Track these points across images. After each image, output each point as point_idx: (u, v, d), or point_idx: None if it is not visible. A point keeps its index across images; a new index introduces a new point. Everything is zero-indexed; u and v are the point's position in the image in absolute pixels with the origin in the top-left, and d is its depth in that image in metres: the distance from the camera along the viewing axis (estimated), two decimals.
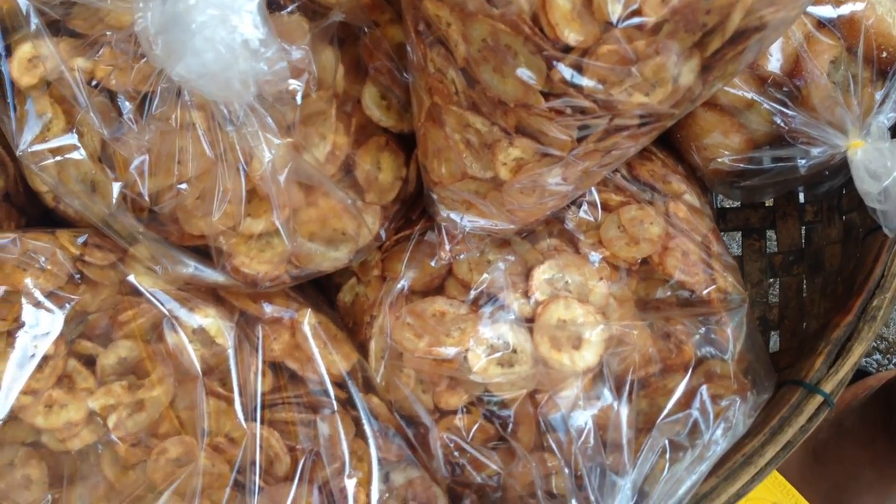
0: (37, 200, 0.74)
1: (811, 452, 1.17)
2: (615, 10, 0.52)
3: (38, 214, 0.76)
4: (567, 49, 0.54)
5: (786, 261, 0.96)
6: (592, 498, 0.62)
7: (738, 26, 0.56)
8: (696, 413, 0.65)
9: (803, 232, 0.96)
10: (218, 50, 0.46)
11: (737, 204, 1.03)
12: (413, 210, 0.78)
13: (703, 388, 0.66)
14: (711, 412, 0.65)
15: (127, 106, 0.60)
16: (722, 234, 1.02)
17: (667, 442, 0.64)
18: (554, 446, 0.64)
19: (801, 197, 0.97)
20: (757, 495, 0.84)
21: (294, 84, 0.56)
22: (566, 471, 0.64)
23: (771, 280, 0.97)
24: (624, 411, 0.65)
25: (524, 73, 0.56)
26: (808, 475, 1.18)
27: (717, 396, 0.67)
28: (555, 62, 0.55)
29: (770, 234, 0.99)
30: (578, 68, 0.55)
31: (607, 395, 0.66)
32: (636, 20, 0.51)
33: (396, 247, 0.78)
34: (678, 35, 0.54)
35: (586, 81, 0.56)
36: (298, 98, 0.57)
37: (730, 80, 0.72)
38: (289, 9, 0.60)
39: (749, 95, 0.77)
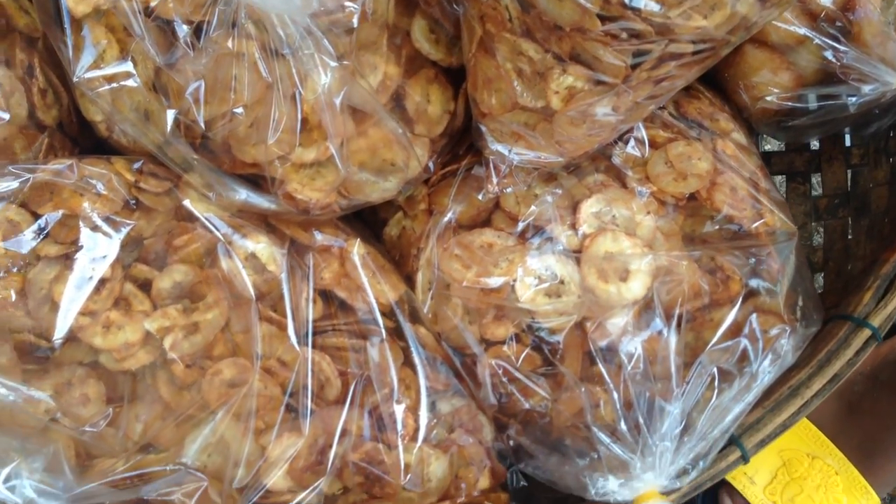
0: (89, 131, 0.75)
1: (846, 405, 1.17)
2: None
3: (90, 145, 0.77)
4: None
5: (831, 204, 0.95)
6: (641, 422, 0.62)
7: None
8: (745, 341, 0.65)
9: (849, 175, 0.95)
10: None
11: (781, 147, 1.02)
12: (459, 145, 0.78)
13: (753, 316, 0.66)
14: (761, 340, 0.65)
15: (184, 29, 0.61)
16: None
17: (715, 370, 0.65)
18: (604, 371, 0.65)
19: (847, 140, 0.96)
20: (790, 446, 0.84)
21: (350, 6, 0.56)
22: (615, 396, 0.64)
23: (815, 223, 0.96)
24: (672, 339, 0.65)
25: None
26: (843, 427, 1.18)
27: (766, 326, 0.67)
28: None
29: (815, 178, 0.99)
30: None
31: (657, 323, 0.66)
32: None
33: (443, 181, 0.78)
34: None
35: (644, 2, 0.55)
36: (354, 21, 0.57)
37: (784, 10, 0.71)
38: None
39: (801, 31, 0.77)
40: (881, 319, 0.70)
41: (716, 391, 0.64)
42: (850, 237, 0.92)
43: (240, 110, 0.62)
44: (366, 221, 0.81)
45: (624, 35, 0.58)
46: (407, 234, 0.78)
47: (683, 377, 0.64)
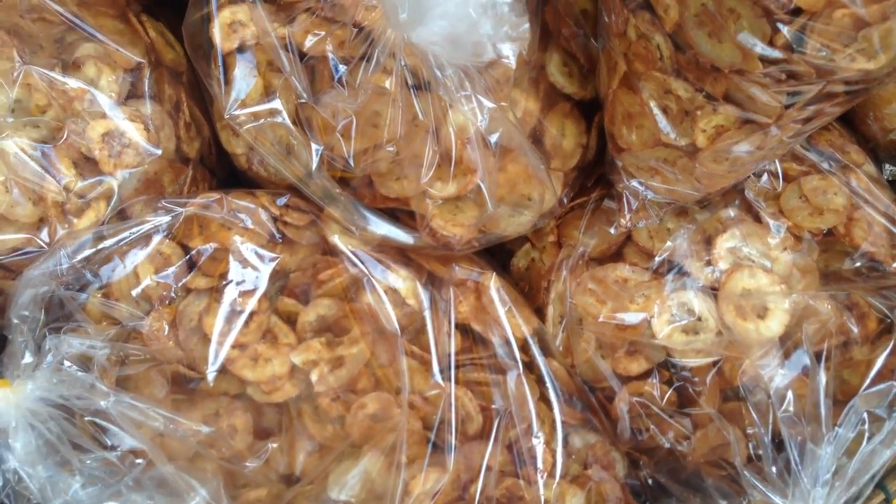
0: (226, 162, 0.76)
1: None
2: None
3: (227, 176, 0.78)
4: (797, 12, 0.53)
5: None
6: (794, 465, 0.61)
7: None
8: None
9: None
10: (466, 13, 0.47)
11: None
12: (588, 178, 0.78)
13: None
14: None
15: (341, 69, 0.61)
16: None
17: (866, 414, 0.64)
18: (754, 413, 0.64)
19: None
20: None
21: (510, 54, 0.57)
22: (765, 438, 0.63)
23: None
24: (822, 380, 0.64)
25: (745, 37, 0.56)
26: None
27: None
28: (781, 25, 0.54)
29: None
30: (805, 32, 0.54)
31: (806, 362, 0.65)
32: None
33: (571, 213, 0.78)
34: None
35: (811, 46, 0.55)
36: (514, 61, 0.57)
37: None
38: None
39: None
40: None
41: (866, 435, 0.63)
42: None
43: (391, 148, 0.63)
44: (491, 252, 0.82)
45: (783, 76, 0.58)
46: (535, 266, 0.78)
47: (834, 420, 0.63)
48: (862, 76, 0.59)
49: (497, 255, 0.82)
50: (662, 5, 0.59)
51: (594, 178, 0.79)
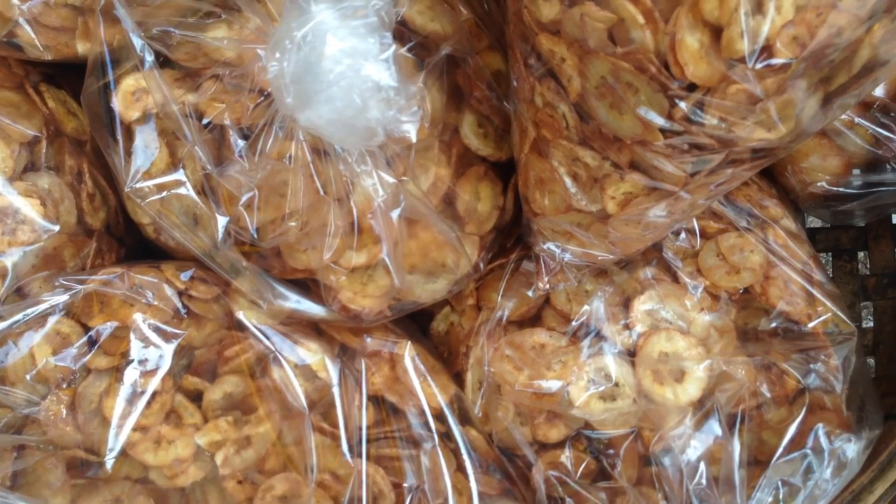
0: (136, 230, 0.74)
1: None
2: (745, 49, 0.50)
3: (135, 243, 0.76)
4: (692, 87, 0.53)
5: (879, 284, 0.93)
6: None
7: (865, 61, 0.55)
8: (809, 453, 0.64)
9: None
10: (352, 99, 0.46)
11: (827, 224, 1.00)
12: (508, 237, 0.77)
13: (819, 426, 0.64)
14: (826, 451, 0.64)
15: (240, 144, 0.60)
16: None
17: (779, 482, 0.63)
18: (666, 485, 0.63)
19: (895, 218, 0.94)
20: None
21: (408, 125, 0.56)
22: None
23: (864, 303, 0.95)
24: (736, 448, 0.64)
25: (645, 111, 0.55)
26: None
27: (830, 434, 0.65)
28: (678, 100, 0.53)
29: (861, 255, 0.97)
30: (702, 106, 0.54)
31: (717, 431, 0.65)
32: (767, 65, 0.49)
33: (490, 275, 0.77)
34: (807, 72, 0.52)
35: (709, 119, 0.54)
36: (413, 136, 0.56)
37: (845, 111, 0.70)
38: (406, 46, 0.60)
39: (854, 119, 0.76)
40: None
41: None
42: None
43: (294, 223, 0.61)
44: (412, 315, 0.80)
45: (686, 146, 0.57)
46: (455, 330, 0.77)
47: (749, 489, 0.62)
48: (766, 144, 0.59)
49: (417, 317, 0.81)
50: (565, 75, 0.59)
51: (514, 237, 0.78)
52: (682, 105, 0.54)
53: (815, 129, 0.62)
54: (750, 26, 0.49)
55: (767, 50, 0.50)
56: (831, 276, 0.96)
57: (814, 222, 1.06)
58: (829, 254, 0.98)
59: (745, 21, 0.49)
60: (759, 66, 0.50)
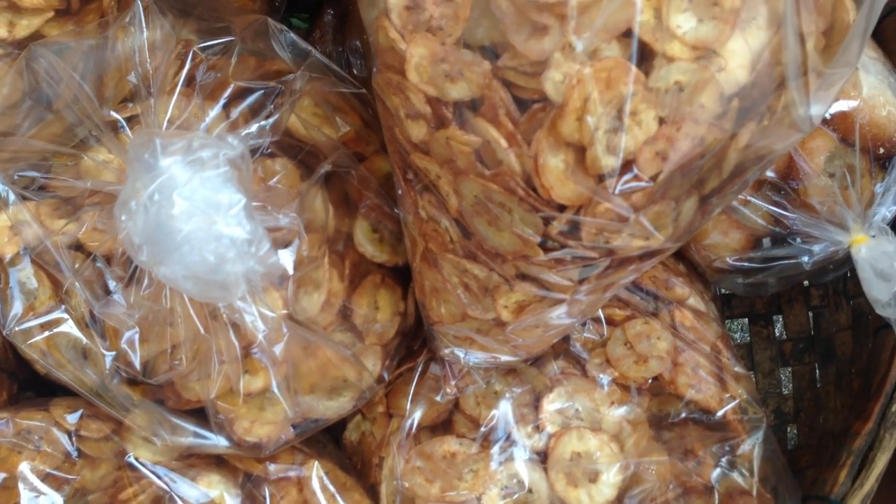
0: (27, 364, 0.72)
1: None
2: (607, 168, 0.50)
3: (29, 375, 0.74)
4: (562, 208, 0.52)
5: (796, 349, 0.94)
6: None
7: (734, 166, 0.55)
8: None
9: (811, 317, 0.94)
10: (205, 257, 0.45)
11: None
12: (414, 340, 0.76)
13: None
14: None
15: (113, 284, 0.58)
16: (728, 321, 1.00)
17: None
18: None
19: (806, 281, 0.95)
20: None
21: (286, 259, 0.55)
22: None
23: (783, 368, 0.95)
24: None
25: (520, 228, 0.55)
26: None
27: None
28: (551, 220, 0.53)
29: (777, 318, 0.97)
30: (576, 224, 0.53)
31: None
32: (632, 184, 0.49)
33: (400, 379, 0.76)
34: (675, 183, 0.52)
35: (585, 234, 0.54)
36: (290, 269, 0.55)
37: (729, 203, 0.70)
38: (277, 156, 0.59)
39: (748, 198, 0.76)
40: (859, 500, 0.68)
41: None
42: (819, 386, 0.90)
43: (178, 362, 0.59)
44: None
45: (568, 258, 0.57)
46: (367, 439, 0.76)
47: None
48: (648, 250, 0.58)
49: (331, 426, 0.79)
50: (443, 191, 0.58)
51: (420, 339, 0.77)
52: (556, 224, 0.53)
53: (698, 228, 0.62)
54: (612, 144, 0.49)
55: (630, 166, 0.50)
56: (749, 341, 0.97)
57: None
58: (746, 319, 0.98)
59: (607, 139, 0.49)
60: (622, 186, 0.49)
